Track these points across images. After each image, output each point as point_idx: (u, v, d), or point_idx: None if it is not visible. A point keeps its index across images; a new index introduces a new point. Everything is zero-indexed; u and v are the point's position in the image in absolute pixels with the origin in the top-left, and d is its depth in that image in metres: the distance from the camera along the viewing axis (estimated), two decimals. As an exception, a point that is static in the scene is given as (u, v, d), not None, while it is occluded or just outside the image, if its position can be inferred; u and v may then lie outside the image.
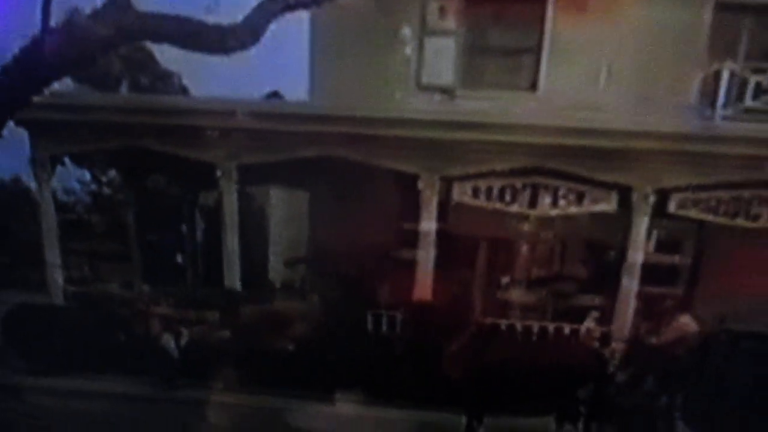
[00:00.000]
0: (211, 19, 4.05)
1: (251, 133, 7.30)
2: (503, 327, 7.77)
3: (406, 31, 7.53)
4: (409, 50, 7.62)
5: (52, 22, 3.59)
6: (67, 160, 8.15)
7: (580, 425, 6.27)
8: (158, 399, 6.96)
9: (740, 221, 7.34)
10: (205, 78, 8.32)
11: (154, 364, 7.26)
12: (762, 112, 6.96)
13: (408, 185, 7.36)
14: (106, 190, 11.58)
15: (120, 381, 7.15)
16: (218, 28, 4.03)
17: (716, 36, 7.13)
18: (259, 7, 3.97)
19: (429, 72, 7.57)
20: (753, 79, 6.93)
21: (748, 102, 6.99)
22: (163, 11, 3.96)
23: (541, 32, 7.65)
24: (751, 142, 6.88)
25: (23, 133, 7.14)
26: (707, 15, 6.92)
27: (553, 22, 7.55)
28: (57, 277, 7.62)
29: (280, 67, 8.78)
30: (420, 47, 7.62)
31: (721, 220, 7.39)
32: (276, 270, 9.55)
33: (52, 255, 7.53)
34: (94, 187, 11.95)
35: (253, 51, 4.18)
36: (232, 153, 7.39)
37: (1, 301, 7.66)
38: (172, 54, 5.32)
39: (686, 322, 7.01)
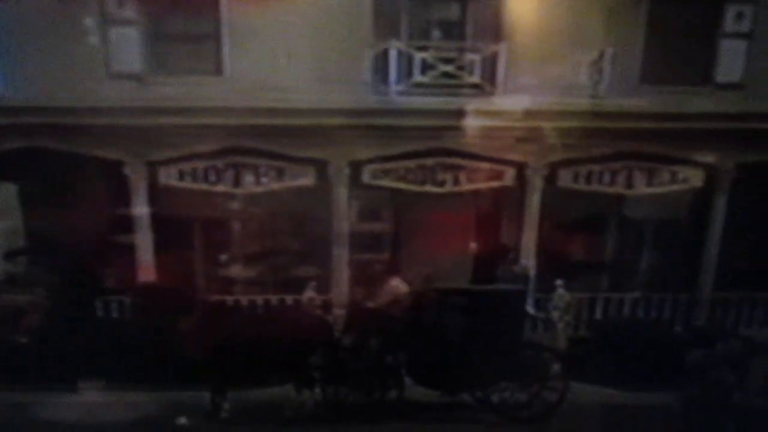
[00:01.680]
0: None
1: None
2: (229, 303, 8.40)
3: (89, 22, 7.62)
4: (94, 40, 7.67)
5: None
6: None
7: (318, 390, 6.66)
8: None
9: (428, 187, 8.31)
10: None
11: None
12: (431, 86, 7.99)
13: (117, 171, 7.76)
14: None
15: None
16: None
17: (379, 17, 8.13)
18: None
19: (117, 60, 7.87)
20: (418, 56, 7.80)
21: (417, 77, 7.98)
22: None
23: (218, 18, 8.07)
24: (425, 113, 7.86)
25: None
26: None
27: (227, 8, 7.99)
28: None
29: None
30: (104, 37, 7.73)
31: (412, 187, 8.28)
32: None
33: None
34: None
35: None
36: None
37: None
38: None
39: (396, 284, 7.67)
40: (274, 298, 8.43)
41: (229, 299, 8.42)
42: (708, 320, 8.74)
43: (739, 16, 7.96)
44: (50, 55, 7.85)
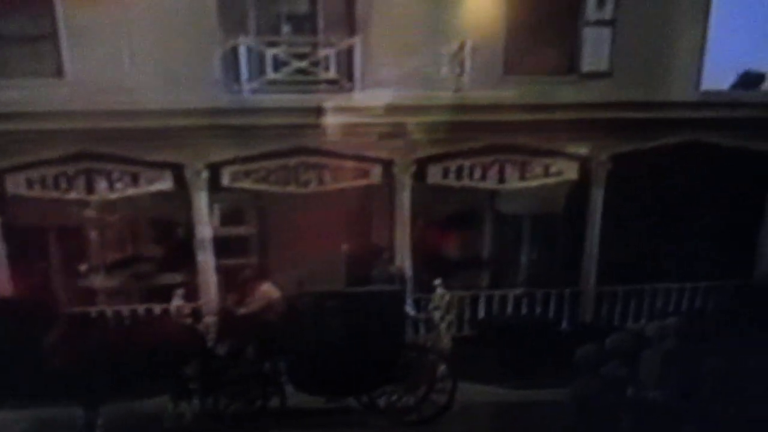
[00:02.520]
0: None
1: None
2: (94, 314, 8.21)
3: None
4: None
5: None
6: None
7: (196, 400, 6.64)
8: None
9: (293, 188, 8.16)
10: None
11: None
12: (286, 83, 7.99)
13: None
14: None
15: None
16: None
17: (225, 12, 8.14)
18: None
19: None
20: (269, 53, 7.77)
21: (270, 74, 7.99)
22: None
23: (54, 18, 8.01)
24: (282, 111, 7.74)
25: None
26: None
27: (63, 8, 7.81)
28: None
29: None
30: None
31: (275, 188, 8.16)
32: None
33: None
34: None
35: None
36: None
37: None
38: None
39: (267, 289, 7.54)
40: (140, 308, 8.29)
41: (93, 311, 8.28)
42: (594, 315, 8.80)
43: (601, 3, 7.83)
44: None
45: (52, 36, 7.93)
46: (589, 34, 8.27)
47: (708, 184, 8.46)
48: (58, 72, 8.02)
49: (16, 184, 7.82)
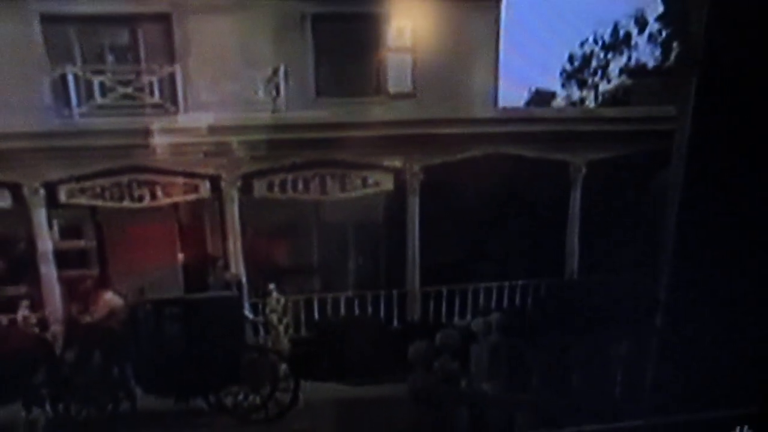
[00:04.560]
0: None
1: None
2: None
3: None
4: None
5: None
6: None
7: (48, 407, 7.04)
8: None
9: (127, 203, 8.96)
10: None
11: None
12: (114, 107, 8.78)
13: None
14: None
15: None
16: None
17: (51, 44, 8.69)
18: None
19: None
20: (96, 80, 8.42)
21: (99, 100, 8.64)
22: None
23: None
24: (111, 133, 8.59)
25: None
26: (36, 26, 8.12)
27: None
28: None
29: None
30: None
31: (111, 204, 8.96)
32: None
33: None
34: None
35: None
36: None
37: None
38: None
39: (110, 297, 8.17)
40: None
41: None
42: (422, 313, 9.75)
43: (401, 32, 8.91)
44: None
45: None
46: (392, 59, 9.24)
47: (516, 191, 9.48)
48: None
49: None
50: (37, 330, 8.50)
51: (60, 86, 9.14)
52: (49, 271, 8.84)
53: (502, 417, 6.35)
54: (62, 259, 9.04)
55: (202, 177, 9.05)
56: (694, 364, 4.56)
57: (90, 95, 9.12)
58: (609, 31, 10.42)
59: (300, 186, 9.37)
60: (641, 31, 10.18)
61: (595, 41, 10.60)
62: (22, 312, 8.56)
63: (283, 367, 7.75)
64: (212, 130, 8.61)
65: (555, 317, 8.09)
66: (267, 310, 8.92)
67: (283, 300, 8.96)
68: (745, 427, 3.78)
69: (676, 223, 4.67)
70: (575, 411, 5.68)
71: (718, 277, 4.50)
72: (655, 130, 7.78)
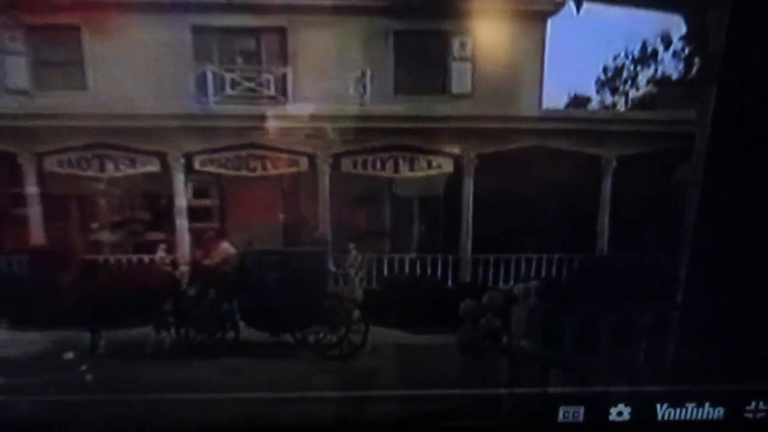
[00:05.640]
0: None
1: None
2: (101, 261, 10.78)
3: None
4: None
5: None
6: None
7: (172, 331, 8.48)
8: None
9: (244, 172, 10.86)
10: None
11: None
12: (239, 97, 11.40)
13: (12, 161, 10.45)
14: None
15: None
16: None
17: (197, 48, 11.49)
18: None
19: (11, 81, 11.28)
20: (228, 76, 11.20)
21: (229, 91, 11.37)
22: None
23: (81, 50, 11.48)
24: (236, 117, 11.02)
25: None
26: (188, 33, 11.05)
27: (89, 41, 11.40)
28: None
29: None
30: (2, 64, 11.23)
31: (231, 172, 10.89)
32: None
33: None
34: None
35: None
36: None
37: None
38: None
39: (226, 247, 9.83)
40: (134, 258, 10.83)
41: (101, 258, 10.83)
42: (472, 277, 11.18)
43: (463, 45, 11.33)
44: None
45: (80, 62, 11.49)
46: (456, 66, 11.63)
47: (555, 177, 10.47)
48: (83, 86, 11.54)
49: (51, 164, 10.56)
50: (169, 268, 10.24)
51: (201, 80, 11.58)
52: (182, 222, 10.72)
53: (537, 371, 6.47)
54: (192, 213, 10.87)
55: (302, 154, 10.88)
56: (711, 338, 4.67)
57: (222, 88, 11.53)
58: (638, 47, 12.09)
59: (377, 165, 11.14)
60: (666, 47, 11.88)
61: (626, 55, 12.06)
62: (159, 253, 10.39)
63: (356, 313, 8.79)
64: (312, 117, 10.28)
65: (585, 287, 9.01)
66: (346, 265, 10.31)
67: (359, 257, 10.42)
68: (761, 403, 3.98)
69: (695, 210, 4.86)
70: (601, 371, 6.02)
71: (734, 258, 4.64)
72: (677, 131, 8.22)
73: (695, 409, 3.07)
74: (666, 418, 3.01)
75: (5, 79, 11.19)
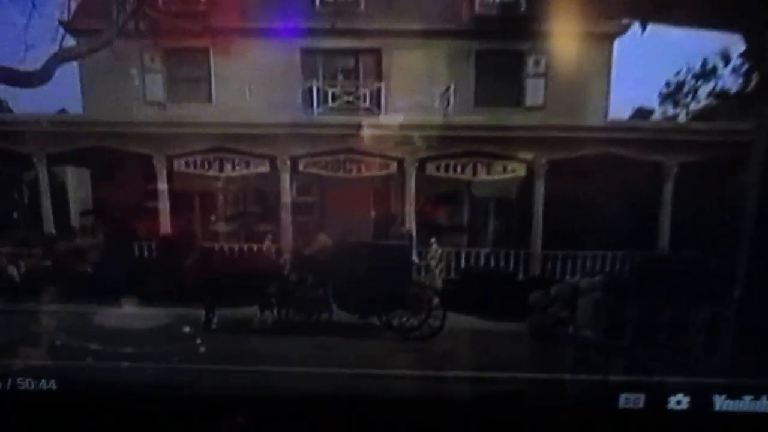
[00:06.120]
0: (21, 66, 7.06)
1: (55, 134, 11.99)
2: (217, 248, 12.25)
3: (133, 71, 13.36)
4: (137, 81, 13.41)
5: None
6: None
7: (275, 311, 9.18)
8: (7, 311, 9.58)
9: (341, 174, 12.23)
10: (21, 102, 12.72)
11: (3, 286, 10.51)
12: (340, 109, 13.25)
13: (148, 162, 12.24)
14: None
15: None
16: (27, 73, 7.18)
17: (305, 66, 13.40)
18: (51, 58, 7.43)
19: (150, 94, 13.49)
20: (330, 91, 13.12)
21: (331, 104, 13.25)
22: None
23: (209, 68, 13.53)
24: (336, 126, 12.59)
25: None
26: (297, 55, 13.03)
27: (215, 62, 13.48)
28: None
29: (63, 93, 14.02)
30: (143, 79, 13.46)
31: (330, 173, 12.27)
32: (75, 219, 13.63)
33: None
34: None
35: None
36: (42, 147, 12.18)
37: None
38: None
39: (323, 238, 10.78)
40: (245, 246, 12.08)
41: (217, 246, 12.30)
42: (542, 270, 11.99)
43: (536, 63, 12.85)
44: (114, 91, 13.34)
45: (207, 78, 13.53)
46: (530, 82, 13.13)
47: (620, 181, 11.18)
48: (209, 99, 13.52)
49: (179, 165, 12.25)
50: (274, 256, 11.40)
51: (307, 94, 13.39)
52: (286, 216, 12.02)
53: (599, 359, 6.59)
54: (295, 208, 12.15)
55: (392, 159, 12.03)
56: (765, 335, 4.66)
57: (325, 101, 13.32)
58: (699, 63, 13.18)
59: (458, 169, 12.19)
60: (725, 64, 12.89)
61: (687, 71, 13.15)
62: (267, 243, 11.77)
63: (436, 300, 9.28)
64: (402, 127, 11.49)
65: (647, 283, 9.02)
66: (428, 257, 11.29)
67: (440, 250, 11.45)
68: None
69: (752, 212, 4.97)
70: (661, 362, 6.11)
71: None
72: (734, 141, 9.10)
73: (752, 402, 3.01)
74: (723, 409, 2.98)
75: (145, 92, 13.30)
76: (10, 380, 2.74)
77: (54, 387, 2.80)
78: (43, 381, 2.78)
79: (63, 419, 2.79)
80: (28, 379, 2.75)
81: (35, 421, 2.79)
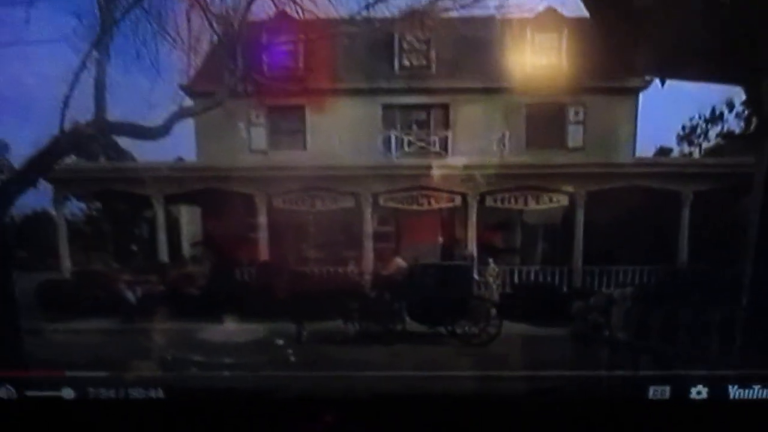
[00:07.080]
0: (146, 123, 7.76)
1: (172, 178, 14.08)
2: (307, 271, 13.94)
3: (241, 124, 15.96)
4: (244, 133, 16.12)
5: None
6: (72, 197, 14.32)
7: (356, 323, 9.93)
8: (125, 330, 10.55)
9: (414, 207, 14.42)
10: (144, 152, 15.67)
11: (122, 309, 11.41)
12: (413, 153, 15.85)
13: (251, 200, 14.38)
14: (94, 213, 17.73)
15: (102, 320, 11.08)
16: (149, 128, 7.77)
17: (385, 118, 16.03)
18: (171, 116, 8.46)
19: (254, 144, 16.23)
20: (405, 138, 15.82)
21: (406, 149, 15.85)
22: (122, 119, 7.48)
23: (304, 122, 16.16)
24: (410, 167, 15.06)
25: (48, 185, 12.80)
26: (379, 109, 15.85)
27: (310, 116, 16.14)
28: (66, 262, 12.96)
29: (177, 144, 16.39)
30: (249, 131, 16.16)
31: (405, 206, 14.57)
32: (186, 249, 15.89)
33: (63, 250, 12.93)
34: (86, 211, 18.85)
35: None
36: (160, 189, 14.20)
37: (33, 278, 12.09)
38: (125, 140, 11.96)
39: (399, 261, 12.27)
40: (332, 269, 13.83)
41: (307, 269, 14.13)
42: (582, 283, 13.80)
43: (576, 112, 15.79)
44: (222, 141, 15.87)
45: (302, 129, 16.13)
46: (571, 128, 15.99)
47: (645, 208, 13.14)
48: (304, 146, 16.18)
49: (279, 201, 14.95)
50: (356, 277, 13.02)
51: (386, 141, 15.96)
52: (368, 243, 14.07)
53: (631, 357, 7.04)
54: (375, 237, 14.17)
55: (457, 193, 14.12)
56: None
57: (401, 146, 15.88)
58: (709, 110, 15.53)
59: (512, 201, 14.40)
60: (731, 110, 15.60)
61: (700, 116, 15.32)
62: (350, 267, 13.71)
63: (493, 311, 10.12)
64: (465, 167, 13.55)
65: (669, 292, 9.47)
66: (486, 275, 12.87)
67: (497, 269, 13.20)
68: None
69: (755, 231, 5.06)
70: (683, 358, 6.46)
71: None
72: (739, 172, 10.38)
73: (761, 390, 3.14)
74: (737, 397, 3.10)
75: (250, 142, 16.00)
76: (123, 389, 2.94)
77: (162, 395, 3.07)
78: (152, 390, 2.96)
79: (168, 423, 3.06)
80: (138, 389, 2.93)
81: (143, 424, 3.03)
